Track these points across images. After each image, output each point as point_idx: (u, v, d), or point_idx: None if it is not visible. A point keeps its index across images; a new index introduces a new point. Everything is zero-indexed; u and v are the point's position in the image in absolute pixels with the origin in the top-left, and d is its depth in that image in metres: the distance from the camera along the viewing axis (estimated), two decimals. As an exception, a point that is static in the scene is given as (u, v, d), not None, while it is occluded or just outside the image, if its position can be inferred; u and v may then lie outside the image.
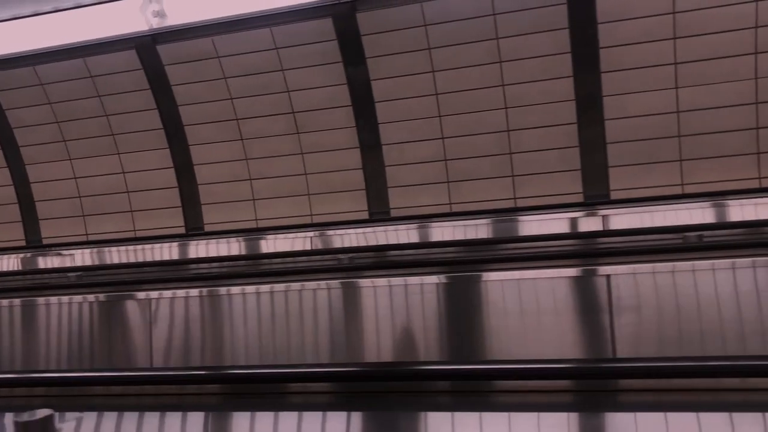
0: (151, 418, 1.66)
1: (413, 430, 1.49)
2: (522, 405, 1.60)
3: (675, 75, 5.17)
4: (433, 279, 3.47)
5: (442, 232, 5.57)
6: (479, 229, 5.42)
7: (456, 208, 5.85)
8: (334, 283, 3.67)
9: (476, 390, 1.75)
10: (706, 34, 5.03)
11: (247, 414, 1.66)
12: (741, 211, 4.98)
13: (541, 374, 1.60)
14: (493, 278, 3.34)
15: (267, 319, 3.78)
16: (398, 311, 3.36)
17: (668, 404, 1.46)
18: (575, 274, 3.24)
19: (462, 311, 3.40)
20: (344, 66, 5.75)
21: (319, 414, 1.59)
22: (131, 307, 3.68)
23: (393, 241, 5.68)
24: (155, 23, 5.89)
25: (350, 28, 5.61)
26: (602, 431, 1.39)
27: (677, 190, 5.33)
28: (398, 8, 5.47)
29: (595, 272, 3.20)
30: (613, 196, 5.49)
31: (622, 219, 5.12)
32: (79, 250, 6.42)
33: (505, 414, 1.53)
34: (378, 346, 3.57)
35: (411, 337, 3.38)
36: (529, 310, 3.28)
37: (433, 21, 5.47)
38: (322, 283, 3.68)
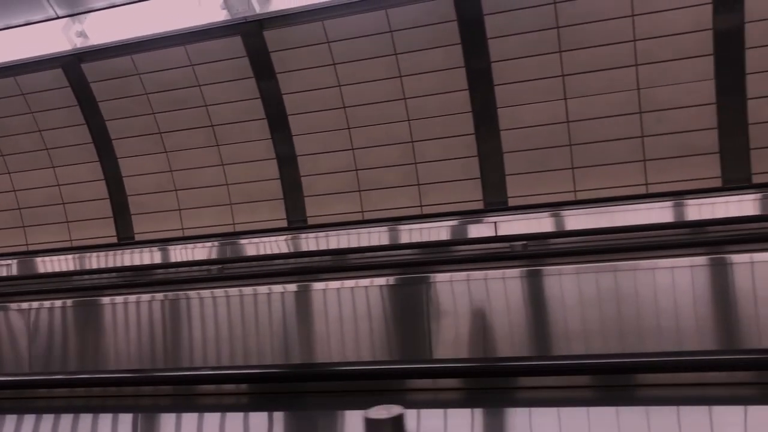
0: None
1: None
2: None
3: (563, 86, 5.40)
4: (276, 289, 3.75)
5: (357, 238, 5.84)
6: (383, 236, 5.68)
7: (368, 216, 6.10)
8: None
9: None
10: (589, 47, 5.26)
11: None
12: (634, 216, 5.21)
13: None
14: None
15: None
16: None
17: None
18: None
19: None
20: (256, 81, 6.01)
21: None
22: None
23: (312, 247, 5.94)
24: (79, 43, 6.15)
25: (259, 45, 5.86)
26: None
27: (571, 197, 5.57)
28: (303, 26, 5.72)
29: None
30: (511, 203, 5.74)
31: (519, 224, 5.36)
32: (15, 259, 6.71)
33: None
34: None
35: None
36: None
37: (336, 38, 5.72)
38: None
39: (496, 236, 5.27)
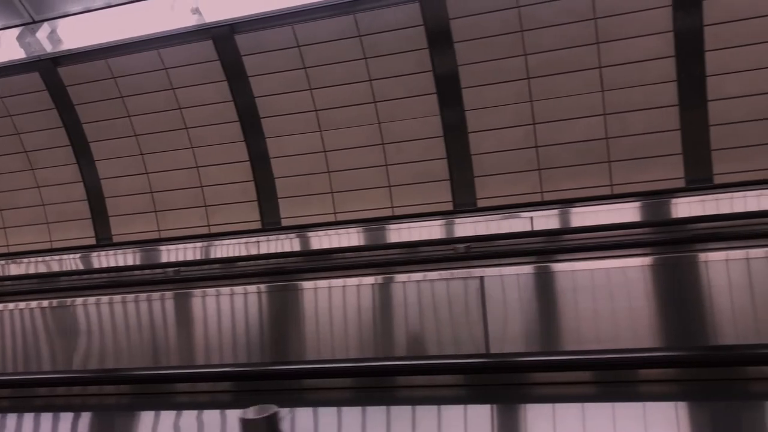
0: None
1: None
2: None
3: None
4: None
5: (328, 240, 5.92)
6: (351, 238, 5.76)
7: (340, 217, 6.18)
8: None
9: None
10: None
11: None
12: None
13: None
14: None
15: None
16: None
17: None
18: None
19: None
20: (228, 84, 6.08)
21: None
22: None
23: (286, 249, 6.02)
24: (55, 47, 6.23)
25: (231, 49, 5.93)
26: None
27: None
28: (273, 30, 5.78)
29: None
30: (480, 204, 5.82)
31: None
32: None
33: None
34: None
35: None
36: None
37: (306, 42, 5.78)
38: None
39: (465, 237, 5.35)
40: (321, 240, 5.92)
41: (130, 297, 4.08)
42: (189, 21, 5.84)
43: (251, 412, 1.50)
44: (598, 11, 5.15)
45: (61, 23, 6.18)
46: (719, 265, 3.37)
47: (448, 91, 5.65)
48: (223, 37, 5.89)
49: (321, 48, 5.76)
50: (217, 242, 6.16)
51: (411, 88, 5.73)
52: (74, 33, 6.18)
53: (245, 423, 1.49)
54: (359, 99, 5.85)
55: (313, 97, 5.96)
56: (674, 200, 5.10)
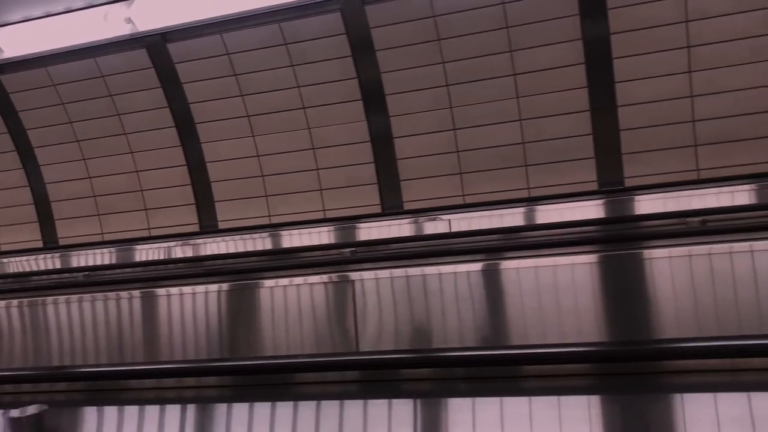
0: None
1: None
2: None
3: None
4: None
5: (262, 242, 6.09)
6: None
7: (274, 220, 6.35)
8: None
9: None
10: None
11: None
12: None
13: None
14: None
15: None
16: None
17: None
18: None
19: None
20: (164, 91, 6.24)
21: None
22: None
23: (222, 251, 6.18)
24: (-4, 55, 6.39)
25: (164, 57, 6.09)
26: None
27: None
28: (203, 38, 5.94)
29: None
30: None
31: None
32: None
33: None
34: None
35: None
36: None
37: (236, 50, 5.95)
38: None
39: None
40: (255, 242, 6.10)
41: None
42: (123, 30, 6.00)
43: (17, 411, 1.67)
44: (509, 20, 5.32)
45: (2, 32, 6.32)
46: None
47: (373, 98, 5.82)
48: (156, 45, 6.05)
49: (250, 55, 5.93)
50: (156, 245, 6.34)
51: (338, 95, 5.90)
52: (15, 41, 6.33)
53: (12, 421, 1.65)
54: (289, 105, 6.02)
55: (245, 103, 6.12)
56: (587, 202, 5.29)
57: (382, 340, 3.45)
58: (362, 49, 5.68)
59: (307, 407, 1.63)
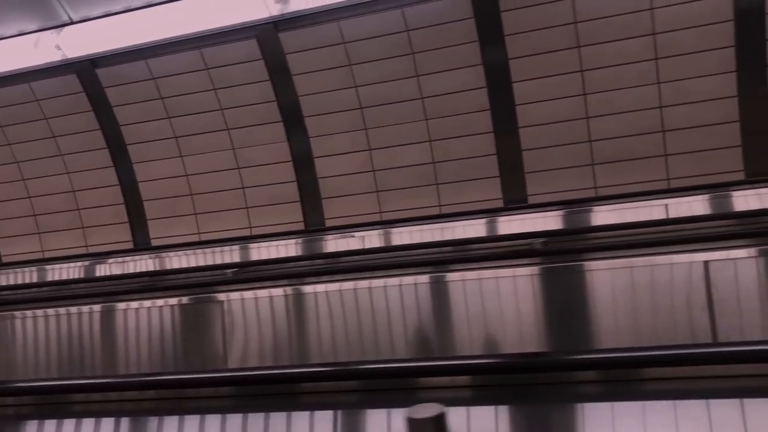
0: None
1: None
2: None
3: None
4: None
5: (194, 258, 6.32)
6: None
7: (204, 237, 6.58)
8: None
9: None
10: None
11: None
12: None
13: None
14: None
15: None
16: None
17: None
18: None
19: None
20: (95, 115, 6.48)
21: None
22: None
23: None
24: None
25: (94, 82, 6.33)
26: None
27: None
28: (131, 64, 6.18)
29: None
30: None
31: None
32: None
33: None
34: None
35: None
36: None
37: (163, 74, 6.19)
38: None
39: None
40: (189, 259, 6.32)
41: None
42: (54, 56, 6.23)
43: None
44: (414, 47, 5.57)
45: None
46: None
47: (293, 120, 6.06)
48: (85, 70, 6.29)
49: (174, 80, 6.17)
50: (96, 262, 6.56)
51: (259, 117, 6.14)
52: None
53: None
54: (213, 126, 6.26)
55: (172, 125, 6.36)
56: (498, 218, 5.53)
57: (248, 356, 3.68)
58: (279, 73, 5.92)
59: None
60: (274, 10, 5.63)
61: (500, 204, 5.74)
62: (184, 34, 5.90)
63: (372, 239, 5.75)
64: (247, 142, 6.25)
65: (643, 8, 5.09)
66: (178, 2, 5.84)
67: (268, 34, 5.77)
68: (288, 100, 6.01)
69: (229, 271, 4.40)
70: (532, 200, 5.66)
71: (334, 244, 5.96)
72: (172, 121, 6.34)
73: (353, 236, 5.82)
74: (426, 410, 1.44)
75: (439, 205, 5.90)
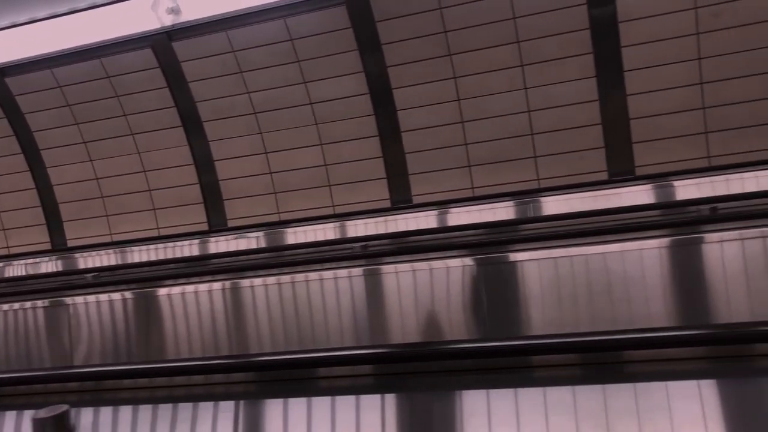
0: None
1: None
2: None
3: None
4: None
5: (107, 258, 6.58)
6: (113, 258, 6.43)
7: (116, 238, 6.85)
8: None
9: None
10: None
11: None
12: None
13: None
14: None
15: None
16: None
17: None
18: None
19: None
20: (8, 121, 6.71)
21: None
22: None
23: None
24: None
25: (3, 89, 6.56)
26: None
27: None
28: (35, 73, 6.41)
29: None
30: (231, 224, 6.55)
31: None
32: None
33: None
34: None
35: None
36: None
37: (66, 83, 6.42)
38: None
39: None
40: (102, 258, 6.58)
41: None
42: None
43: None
44: (299, 55, 5.81)
45: None
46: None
47: (192, 125, 6.31)
48: (-6, 79, 6.52)
49: (79, 87, 6.40)
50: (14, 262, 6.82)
51: (160, 122, 6.38)
52: None
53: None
54: (118, 132, 6.50)
55: (80, 131, 6.60)
56: (385, 218, 5.80)
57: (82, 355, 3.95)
58: (176, 80, 6.16)
59: None
60: (167, 20, 5.87)
61: (388, 204, 6.01)
62: (86, 44, 6.13)
63: (273, 238, 6.02)
64: (151, 146, 6.50)
65: (506, 17, 5.34)
66: (78, 13, 6.08)
67: (162, 43, 6.00)
68: (186, 106, 6.26)
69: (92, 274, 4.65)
70: (416, 200, 5.93)
71: (234, 243, 6.23)
72: (80, 126, 6.59)
73: (247, 237, 6.09)
74: (51, 411, 1.71)
75: (333, 206, 6.16)
